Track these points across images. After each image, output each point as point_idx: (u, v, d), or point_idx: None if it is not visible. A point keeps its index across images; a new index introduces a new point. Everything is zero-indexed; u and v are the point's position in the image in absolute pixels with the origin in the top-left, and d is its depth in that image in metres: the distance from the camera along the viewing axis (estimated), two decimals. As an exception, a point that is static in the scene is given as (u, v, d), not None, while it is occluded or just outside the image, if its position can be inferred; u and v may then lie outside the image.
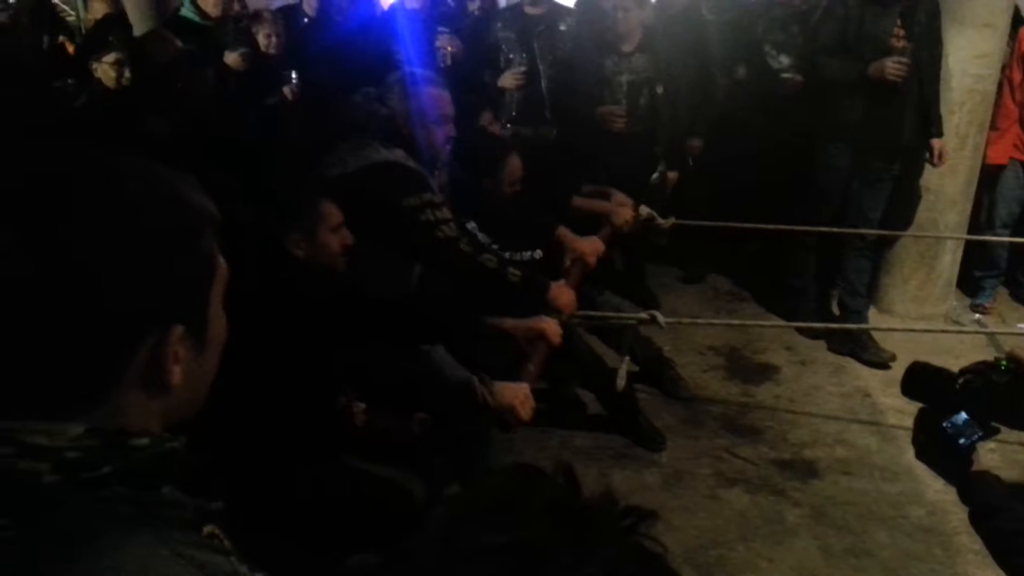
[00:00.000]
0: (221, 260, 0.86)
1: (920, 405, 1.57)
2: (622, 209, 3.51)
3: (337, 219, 2.20)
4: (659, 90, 4.27)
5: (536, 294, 2.68)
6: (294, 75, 4.71)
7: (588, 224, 3.45)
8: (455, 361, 2.58)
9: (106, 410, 0.76)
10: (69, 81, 4.31)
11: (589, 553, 0.55)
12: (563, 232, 3.12)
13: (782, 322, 4.43)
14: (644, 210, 3.49)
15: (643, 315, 2.92)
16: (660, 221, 3.50)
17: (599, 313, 3.19)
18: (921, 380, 1.57)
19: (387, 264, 2.61)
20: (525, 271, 2.72)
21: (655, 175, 4.43)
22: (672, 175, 4.49)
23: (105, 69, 4.08)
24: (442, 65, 4.53)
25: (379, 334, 2.19)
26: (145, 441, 0.77)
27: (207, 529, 0.79)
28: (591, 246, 3.11)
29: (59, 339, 0.73)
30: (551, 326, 2.47)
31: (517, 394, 2.17)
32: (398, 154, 2.70)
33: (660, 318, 2.87)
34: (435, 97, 2.79)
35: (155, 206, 0.77)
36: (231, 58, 4.58)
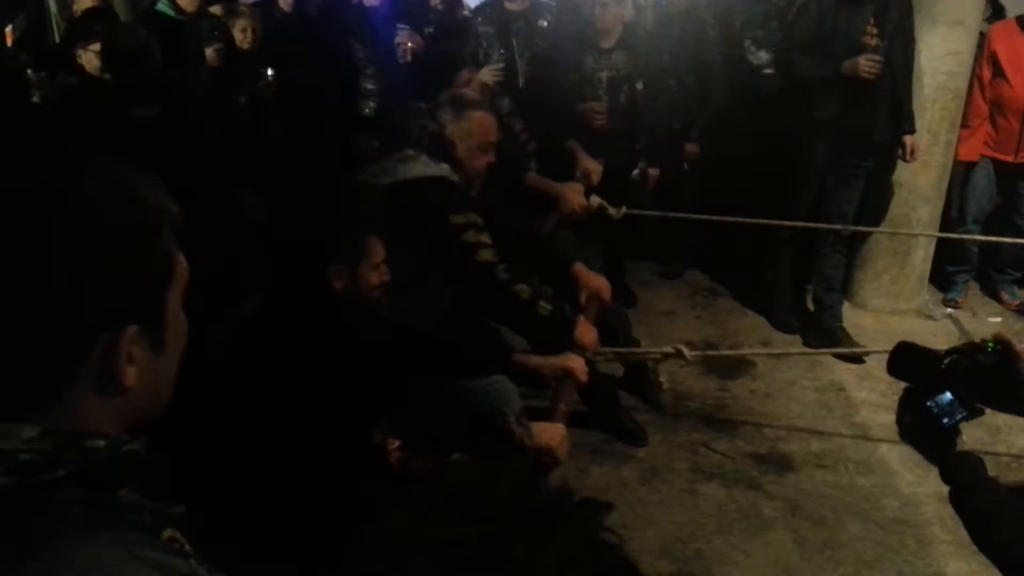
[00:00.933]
0: (181, 261, 0.84)
1: (901, 385, 1.57)
2: (572, 195, 3.43)
3: (379, 256, 2.17)
4: (639, 86, 4.30)
5: (563, 330, 2.61)
6: (269, 72, 4.68)
7: (538, 206, 3.42)
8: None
9: (60, 411, 0.75)
10: (41, 73, 4.25)
11: (543, 544, 0.55)
12: (579, 268, 3.03)
13: (758, 308, 4.48)
14: (595, 200, 3.44)
15: (669, 349, 2.93)
16: (611, 211, 3.45)
17: (625, 349, 3.17)
18: (907, 360, 1.57)
19: (425, 283, 2.55)
20: (555, 305, 2.65)
21: (636, 171, 4.45)
22: (653, 171, 4.51)
23: (90, 57, 4.03)
24: (402, 61, 4.51)
25: (408, 366, 2.18)
26: (101, 443, 0.76)
27: (167, 533, 0.78)
28: (606, 283, 3.05)
29: (10, 339, 0.72)
30: (578, 364, 2.43)
31: (555, 435, 2.15)
32: (444, 169, 2.67)
33: (686, 352, 2.89)
34: (485, 124, 2.75)
35: (114, 205, 0.76)
36: (206, 54, 4.55)
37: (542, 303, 2.60)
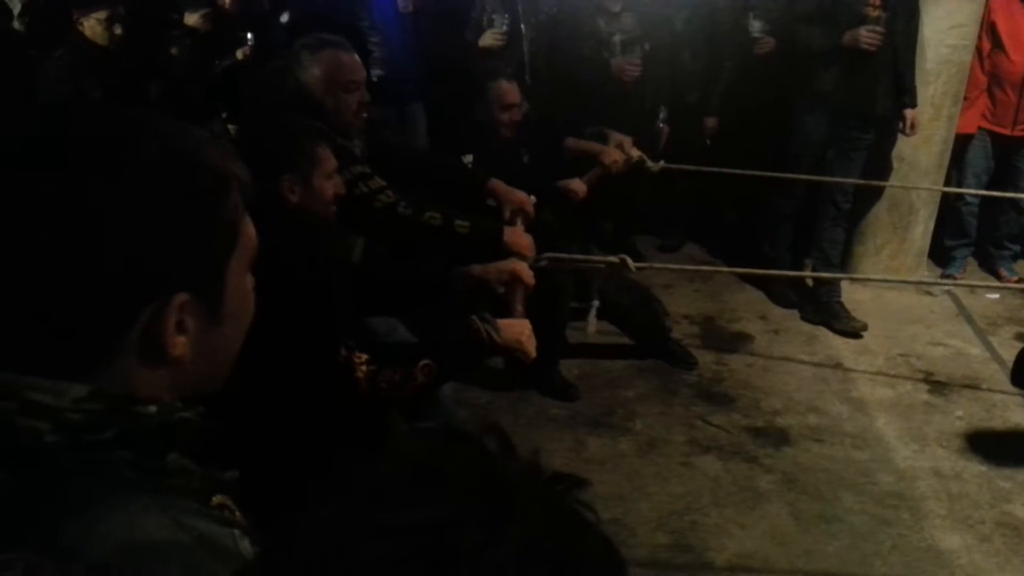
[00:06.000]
0: (248, 229, 0.81)
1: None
2: (612, 150, 3.54)
3: (332, 165, 2.14)
4: (647, 47, 4.35)
5: (490, 241, 2.59)
6: (249, 36, 4.63)
7: (580, 165, 3.55)
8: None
9: (111, 374, 0.73)
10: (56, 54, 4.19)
11: (500, 531, 0.47)
12: (495, 184, 2.97)
13: (756, 283, 4.54)
14: (635, 152, 3.54)
15: (612, 259, 2.86)
16: (650, 164, 3.55)
17: (567, 255, 3.15)
18: None
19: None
20: (473, 219, 2.62)
21: (660, 120, 4.58)
22: (665, 128, 4.59)
23: (92, 25, 3.96)
24: (402, 11, 4.46)
25: (361, 305, 2.14)
26: (152, 409, 0.74)
27: (216, 499, 0.77)
28: (525, 195, 2.99)
29: (60, 296, 0.71)
30: (522, 266, 2.40)
31: (522, 329, 2.10)
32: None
33: (630, 262, 2.81)
34: (344, 62, 2.64)
35: (170, 169, 0.74)
36: (192, 19, 4.50)
37: (457, 223, 2.57)
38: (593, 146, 3.59)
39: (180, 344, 0.76)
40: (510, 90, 3.40)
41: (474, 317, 2.04)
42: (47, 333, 0.72)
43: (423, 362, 1.94)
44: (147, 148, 0.74)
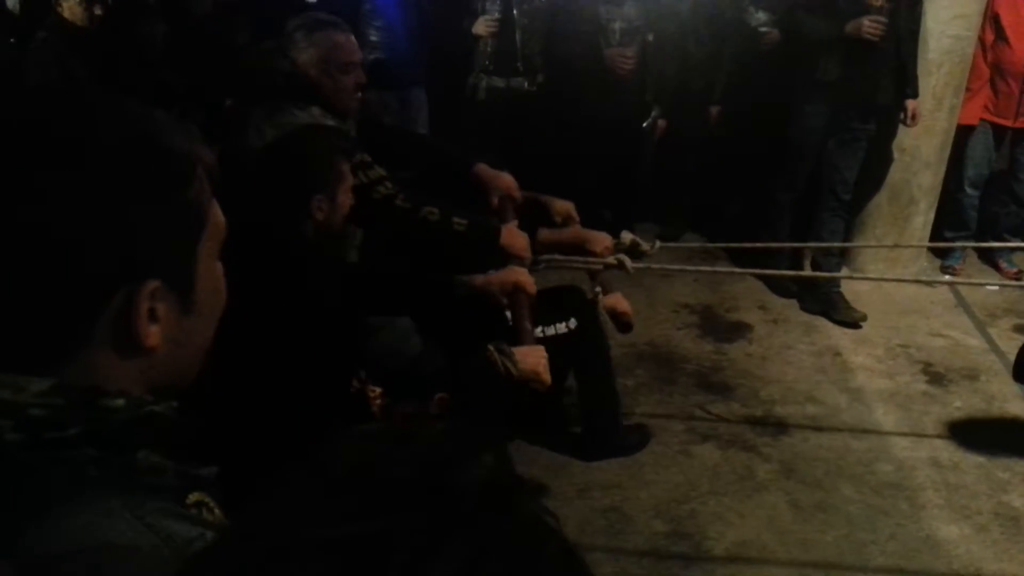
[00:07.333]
0: (215, 213, 0.79)
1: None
2: (600, 236, 3.00)
3: (351, 180, 2.11)
4: (650, 38, 4.33)
5: (488, 241, 2.51)
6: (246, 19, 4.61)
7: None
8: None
9: (76, 367, 0.71)
10: (11, 40, 4.17)
11: (441, 542, 0.42)
12: (480, 168, 2.85)
13: (757, 271, 4.45)
14: (627, 236, 3.07)
15: (610, 259, 2.77)
16: (645, 247, 3.08)
17: (564, 257, 3.05)
18: None
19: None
20: (471, 217, 2.53)
21: (649, 119, 4.50)
22: (662, 123, 4.58)
23: (71, 6, 3.95)
24: None
25: (368, 307, 2.12)
26: (120, 403, 0.71)
27: (193, 497, 0.74)
28: (512, 179, 2.86)
29: (21, 289, 0.68)
30: (523, 274, 2.34)
31: (538, 358, 2.06)
32: (315, 113, 2.51)
33: (628, 263, 2.74)
34: (340, 43, 2.59)
35: (128, 152, 0.71)
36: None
37: (455, 219, 2.48)
38: (577, 233, 3.02)
39: (154, 334, 0.73)
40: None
41: (491, 347, 2.00)
42: (10, 324, 0.69)
43: (439, 395, 1.92)
44: (105, 131, 0.72)
